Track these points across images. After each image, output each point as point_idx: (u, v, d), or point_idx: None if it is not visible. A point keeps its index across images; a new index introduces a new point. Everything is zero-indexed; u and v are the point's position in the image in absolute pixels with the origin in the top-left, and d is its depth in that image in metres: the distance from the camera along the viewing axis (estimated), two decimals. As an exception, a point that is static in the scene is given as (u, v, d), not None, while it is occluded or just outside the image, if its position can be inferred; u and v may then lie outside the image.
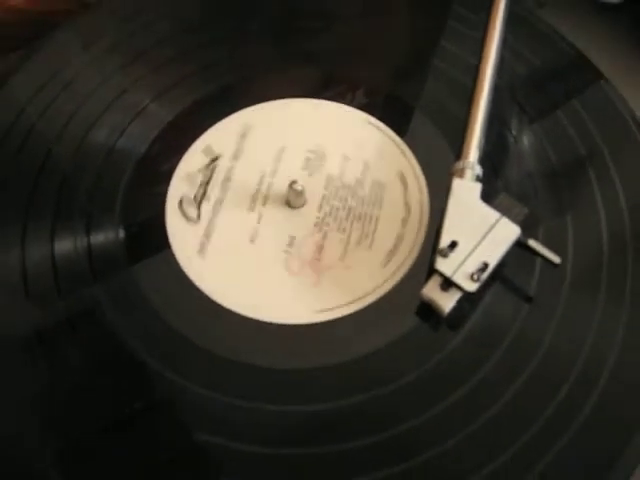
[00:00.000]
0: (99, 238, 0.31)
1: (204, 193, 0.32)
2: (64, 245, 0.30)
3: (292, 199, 0.31)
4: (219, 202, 0.32)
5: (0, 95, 0.35)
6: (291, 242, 0.31)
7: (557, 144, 0.34)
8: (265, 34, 0.39)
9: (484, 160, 0.32)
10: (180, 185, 0.32)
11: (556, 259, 0.28)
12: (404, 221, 0.31)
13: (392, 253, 0.30)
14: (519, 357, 0.28)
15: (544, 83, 0.37)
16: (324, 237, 0.31)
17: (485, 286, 0.29)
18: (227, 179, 0.33)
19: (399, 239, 0.31)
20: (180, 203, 0.32)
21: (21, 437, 0.26)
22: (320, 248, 0.31)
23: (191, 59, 0.37)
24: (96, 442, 0.26)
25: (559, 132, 0.35)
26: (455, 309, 0.28)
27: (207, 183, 0.32)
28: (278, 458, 0.26)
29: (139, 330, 0.28)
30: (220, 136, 0.34)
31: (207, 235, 0.31)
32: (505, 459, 0.26)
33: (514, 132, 0.34)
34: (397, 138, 0.34)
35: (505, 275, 0.30)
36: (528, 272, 0.30)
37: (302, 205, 0.32)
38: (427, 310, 0.29)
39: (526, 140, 0.34)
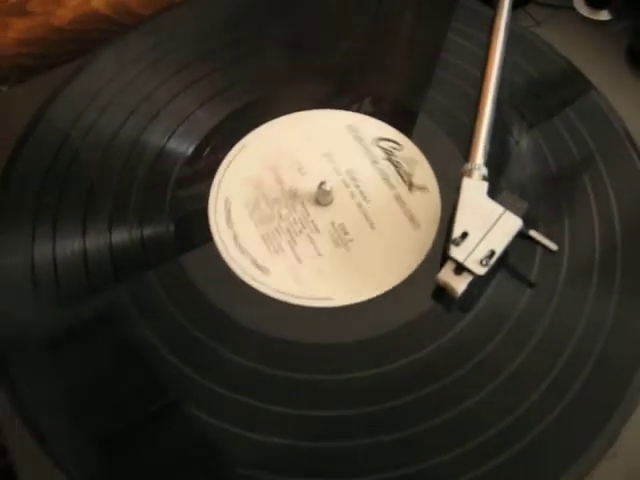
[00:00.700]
0: (151, 231, 0.35)
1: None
2: (120, 237, 0.34)
3: (320, 196, 0.35)
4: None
5: (60, 100, 0.39)
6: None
7: (553, 147, 0.38)
8: (284, 51, 0.43)
9: (489, 161, 0.36)
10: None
11: (554, 247, 0.32)
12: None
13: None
14: (521, 335, 0.32)
15: (541, 93, 0.40)
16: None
17: (492, 273, 0.33)
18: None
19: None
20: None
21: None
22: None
23: (223, 75, 0.41)
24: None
25: (555, 137, 0.39)
26: (465, 293, 0.32)
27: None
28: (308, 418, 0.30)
29: (185, 309, 0.32)
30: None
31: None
32: (506, 423, 0.30)
33: (515, 136, 0.38)
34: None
35: (509, 264, 0.34)
36: (529, 262, 0.34)
37: (327, 204, 0.36)
38: (441, 294, 0.33)
39: (526, 144, 0.38)
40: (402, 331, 0.32)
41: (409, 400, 0.31)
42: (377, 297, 0.33)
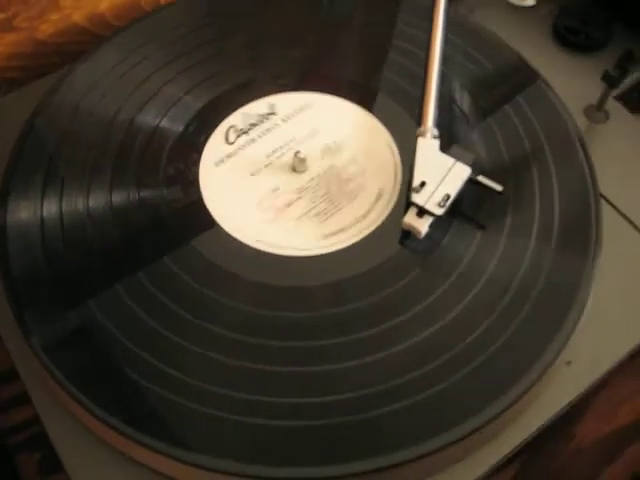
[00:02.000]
0: (146, 194, 0.40)
1: (247, 130, 0.43)
2: (120, 197, 0.40)
3: (296, 164, 0.40)
4: (252, 140, 0.43)
5: (60, 94, 0.44)
6: (275, 189, 0.41)
7: (496, 115, 0.44)
8: (250, 47, 0.49)
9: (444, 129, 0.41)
10: (236, 117, 0.44)
11: (499, 187, 0.38)
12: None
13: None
14: (475, 271, 0.37)
15: (480, 70, 0.46)
16: (297, 199, 0.40)
17: (448, 221, 0.38)
18: (268, 130, 0.43)
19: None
20: (230, 128, 0.43)
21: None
22: (289, 204, 0.40)
23: (200, 68, 0.46)
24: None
25: (495, 106, 0.44)
26: (427, 237, 0.37)
27: (255, 125, 0.43)
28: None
29: (187, 265, 0.37)
30: (286, 101, 0.45)
31: (229, 156, 0.42)
32: (467, 343, 0.35)
33: (460, 105, 0.44)
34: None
35: (463, 212, 0.39)
36: (480, 211, 0.40)
37: (302, 171, 0.41)
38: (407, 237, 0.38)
39: (472, 114, 0.43)
40: (375, 271, 0.37)
41: (377, 331, 0.36)
42: (350, 246, 0.38)
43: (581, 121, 0.46)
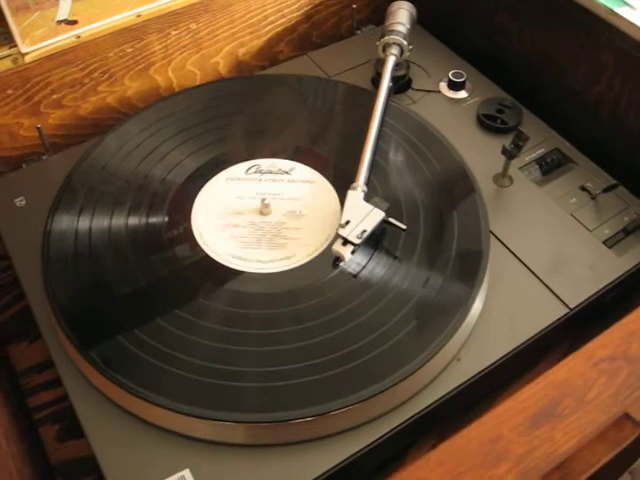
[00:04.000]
0: (154, 221, 0.55)
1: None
2: (135, 220, 0.55)
3: (263, 209, 0.54)
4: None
5: (96, 153, 0.60)
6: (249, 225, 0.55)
7: (418, 177, 0.58)
8: (242, 127, 0.64)
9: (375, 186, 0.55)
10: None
11: (403, 226, 0.51)
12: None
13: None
14: (383, 288, 0.51)
15: (410, 143, 0.61)
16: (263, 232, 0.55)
17: (371, 250, 0.52)
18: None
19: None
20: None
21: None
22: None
23: (201, 138, 0.62)
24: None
25: (423, 178, 0.59)
26: (352, 264, 0.51)
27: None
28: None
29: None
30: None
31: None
32: (372, 337, 0.48)
33: (390, 170, 0.58)
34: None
35: (383, 246, 0.53)
36: (395, 247, 0.53)
37: (268, 214, 0.55)
38: (337, 261, 0.51)
39: (396, 172, 0.58)
40: (314, 285, 0.51)
41: (329, 318, 0.49)
42: (300, 266, 0.52)
43: (491, 185, 0.60)
